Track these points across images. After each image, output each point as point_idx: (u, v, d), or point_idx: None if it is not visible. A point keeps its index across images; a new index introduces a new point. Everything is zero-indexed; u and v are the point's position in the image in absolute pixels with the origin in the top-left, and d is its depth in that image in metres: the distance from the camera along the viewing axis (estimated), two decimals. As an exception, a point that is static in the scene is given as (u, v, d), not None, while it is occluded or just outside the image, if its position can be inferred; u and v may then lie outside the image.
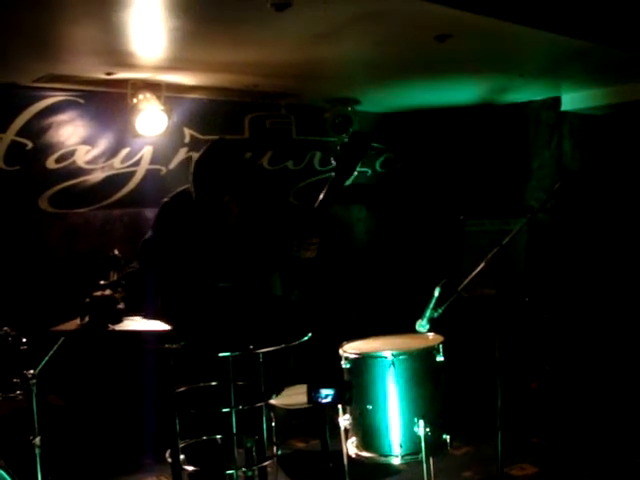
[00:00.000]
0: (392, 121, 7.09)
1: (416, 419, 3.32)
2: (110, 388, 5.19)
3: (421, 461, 3.32)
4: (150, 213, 5.59)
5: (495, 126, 7.04)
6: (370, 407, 3.40)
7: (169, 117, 5.31)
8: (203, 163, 3.33)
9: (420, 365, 3.43)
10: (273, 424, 3.58)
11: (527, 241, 6.13)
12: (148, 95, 5.16)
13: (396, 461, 3.40)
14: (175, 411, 3.07)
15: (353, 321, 6.61)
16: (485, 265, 3.50)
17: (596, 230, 6.61)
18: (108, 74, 4.88)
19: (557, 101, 6.66)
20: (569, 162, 6.74)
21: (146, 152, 5.61)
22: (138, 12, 3.58)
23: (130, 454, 5.02)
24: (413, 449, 3.35)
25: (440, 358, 3.48)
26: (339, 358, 3.54)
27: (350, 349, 3.56)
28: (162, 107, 5.21)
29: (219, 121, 5.92)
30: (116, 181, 5.52)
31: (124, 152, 5.50)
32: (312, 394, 3.20)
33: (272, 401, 3.61)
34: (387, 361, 3.38)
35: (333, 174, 3.23)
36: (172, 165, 5.76)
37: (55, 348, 3.36)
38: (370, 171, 7.05)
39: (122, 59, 4.50)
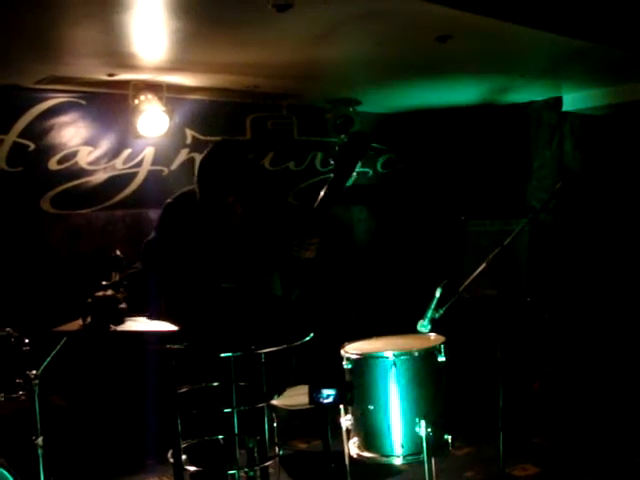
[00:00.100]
0: (393, 122, 7.09)
1: (418, 419, 3.32)
2: (112, 388, 5.20)
3: (423, 461, 3.31)
4: (152, 214, 5.60)
5: (496, 126, 7.04)
6: (372, 407, 3.40)
7: (171, 118, 5.32)
8: (207, 163, 3.34)
9: (422, 365, 3.43)
10: (275, 425, 3.59)
11: (529, 241, 6.13)
12: (150, 96, 5.17)
13: (398, 461, 3.40)
14: (177, 411, 3.07)
15: (354, 321, 6.61)
16: (486, 265, 3.50)
17: (598, 230, 6.61)
18: (110, 75, 4.89)
19: (558, 101, 6.67)
20: (570, 162, 6.75)
21: (148, 153, 5.62)
22: (139, 14, 3.59)
23: (132, 454, 5.03)
24: (415, 449, 3.34)
25: (442, 358, 3.48)
26: (340, 358, 3.54)
27: (351, 349, 3.56)
28: (163, 108, 5.22)
29: (220, 122, 5.93)
30: (118, 182, 5.53)
31: (126, 153, 5.51)
32: (313, 394, 3.20)
33: (274, 402, 3.62)
34: (389, 361, 3.38)
35: (332, 175, 3.24)
36: (174, 166, 5.76)
37: (57, 348, 3.37)
38: (371, 172, 7.05)
39: (123, 60, 4.51)
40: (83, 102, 5.26)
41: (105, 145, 5.41)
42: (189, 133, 5.80)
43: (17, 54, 4.21)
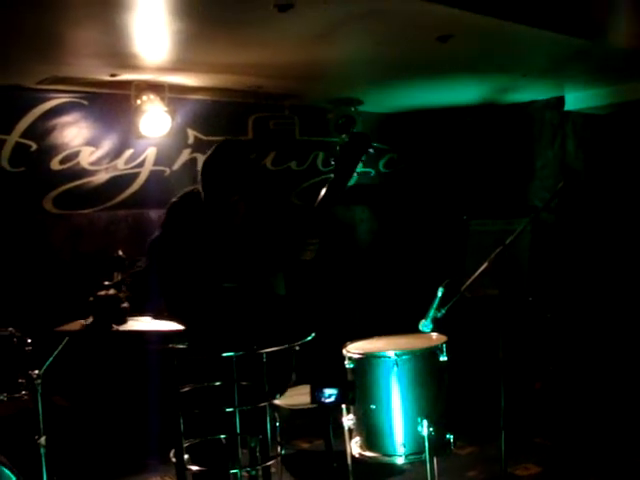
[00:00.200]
0: (395, 121, 7.10)
1: (420, 419, 3.32)
2: (114, 388, 5.20)
3: (425, 461, 3.32)
4: (154, 214, 5.61)
5: (498, 126, 7.04)
6: (374, 407, 3.41)
7: (173, 118, 5.32)
8: (211, 163, 3.36)
9: (424, 365, 3.43)
10: (277, 424, 3.59)
11: (531, 241, 6.13)
12: (152, 96, 5.18)
13: (400, 461, 3.40)
14: (179, 411, 3.08)
15: (356, 321, 6.61)
16: (488, 265, 3.50)
17: (600, 229, 6.60)
18: (112, 76, 4.90)
19: (561, 101, 6.66)
20: (573, 161, 6.74)
21: (150, 153, 5.63)
22: (141, 14, 3.59)
23: (134, 454, 5.03)
24: (417, 449, 3.34)
25: (443, 358, 3.48)
26: (343, 358, 3.55)
27: (353, 349, 3.56)
28: (165, 108, 5.22)
29: (223, 122, 5.93)
30: (120, 182, 5.54)
31: (128, 153, 5.52)
32: (315, 394, 3.20)
33: (276, 401, 3.62)
34: (391, 361, 3.38)
35: (332, 175, 3.24)
36: (176, 166, 5.77)
37: (60, 348, 3.37)
38: (373, 171, 7.06)
39: (125, 61, 4.52)
40: (85, 102, 5.27)
41: (107, 145, 5.42)
42: (191, 133, 5.81)
43: (19, 54, 4.21)
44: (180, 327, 2.95)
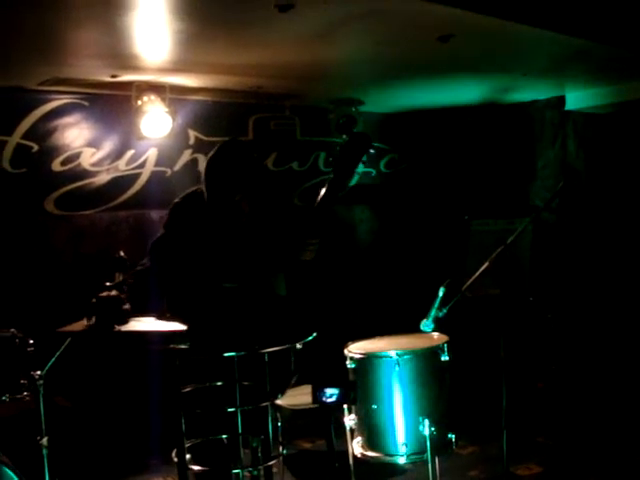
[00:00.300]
0: (396, 121, 7.10)
1: (421, 418, 3.32)
2: (116, 389, 5.21)
3: (426, 461, 3.32)
4: (155, 215, 5.62)
5: (499, 126, 7.04)
6: (375, 407, 3.41)
7: (173, 119, 5.33)
8: (215, 163, 3.37)
9: (425, 365, 3.44)
10: (279, 424, 3.59)
11: (532, 240, 6.13)
12: (152, 97, 5.18)
13: (401, 461, 3.40)
14: (181, 411, 3.08)
15: (358, 321, 6.60)
16: (489, 265, 3.50)
17: (601, 229, 6.60)
18: (112, 77, 4.90)
19: (561, 100, 6.66)
20: (573, 161, 6.74)
21: (151, 154, 5.63)
22: (142, 15, 3.60)
23: (136, 455, 5.03)
24: (418, 448, 3.35)
25: (445, 358, 3.48)
26: (344, 358, 3.55)
27: (355, 349, 3.56)
28: (166, 109, 5.23)
29: (223, 123, 5.93)
30: (121, 183, 5.54)
31: (129, 154, 5.52)
32: (317, 394, 3.21)
33: (278, 401, 3.62)
34: (392, 361, 3.38)
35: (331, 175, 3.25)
36: (177, 167, 5.77)
37: (62, 349, 3.37)
38: (374, 171, 7.06)
39: (126, 62, 4.52)
40: (86, 103, 5.27)
41: (108, 146, 5.42)
42: (192, 134, 5.81)
43: (20, 56, 4.22)
44: (182, 327, 2.95)
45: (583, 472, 4.55)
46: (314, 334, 3.21)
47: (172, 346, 3.02)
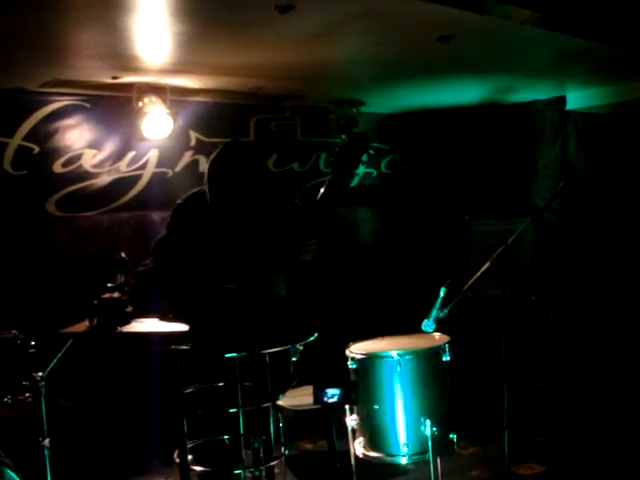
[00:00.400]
0: (397, 122, 7.10)
1: (423, 419, 3.33)
2: (118, 390, 5.21)
3: (428, 461, 3.32)
4: (156, 216, 5.62)
5: (500, 126, 7.05)
6: (377, 407, 3.42)
7: (174, 120, 5.33)
8: (218, 163, 3.37)
9: (426, 365, 3.44)
10: (281, 425, 3.60)
11: (533, 240, 6.13)
12: (153, 98, 5.18)
13: (403, 461, 3.41)
14: (183, 412, 3.09)
15: (359, 321, 6.62)
16: (490, 265, 3.50)
17: (602, 229, 6.60)
18: (113, 78, 4.90)
19: (562, 100, 6.67)
20: (574, 161, 6.74)
21: (152, 155, 5.63)
22: (143, 17, 3.60)
23: (138, 456, 5.04)
24: (420, 449, 3.36)
25: (446, 358, 3.49)
26: (345, 358, 3.55)
27: (356, 349, 3.57)
28: (167, 110, 5.23)
29: (224, 124, 5.93)
30: (122, 184, 5.54)
31: (130, 155, 5.52)
32: (318, 394, 3.21)
33: (279, 402, 3.63)
34: (393, 361, 3.39)
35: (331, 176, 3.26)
36: (178, 168, 5.78)
37: (64, 350, 3.38)
38: (375, 172, 7.06)
39: (127, 63, 4.53)
40: (87, 105, 5.28)
41: (109, 148, 5.43)
42: (193, 135, 5.82)
43: (21, 57, 4.22)
44: (183, 328, 2.96)
45: (585, 471, 4.55)
46: (315, 334, 3.22)
47: (173, 347, 3.03)
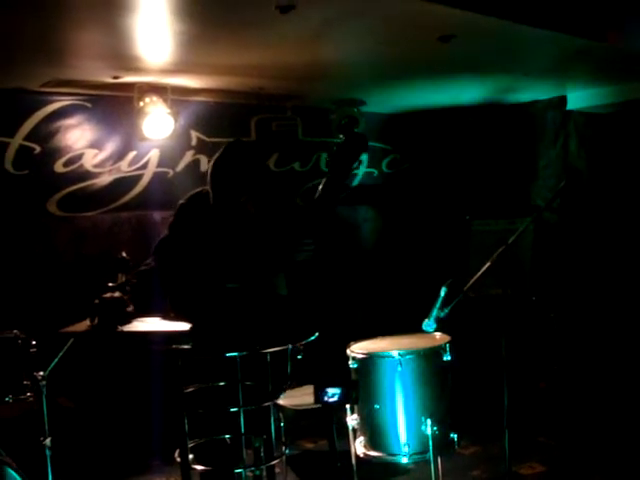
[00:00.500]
0: (398, 122, 7.10)
1: (424, 418, 3.33)
2: (119, 389, 5.21)
3: (429, 460, 3.33)
4: (157, 215, 5.63)
5: (501, 126, 7.04)
6: (378, 407, 3.42)
7: (175, 120, 5.33)
8: (221, 164, 3.38)
9: (427, 364, 3.44)
10: (282, 424, 3.60)
11: (533, 240, 6.13)
12: (154, 98, 5.18)
13: (404, 460, 3.41)
14: (184, 411, 3.09)
15: (360, 321, 6.62)
16: (491, 264, 3.50)
17: (603, 229, 6.60)
18: (114, 78, 4.91)
19: (563, 100, 6.66)
20: (575, 161, 6.74)
21: (153, 155, 5.64)
22: (144, 16, 3.60)
23: (139, 455, 5.04)
24: (421, 448, 3.36)
25: (447, 357, 3.49)
26: (346, 358, 3.56)
27: (357, 349, 3.57)
28: (168, 110, 5.23)
29: (225, 123, 5.93)
30: (123, 184, 5.54)
31: (131, 155, 5.53)
32: (319, 394, 3.22)
33: (280, 401, 3.63)
34: (394, 361, 3.39)
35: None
36: (179, 168, 5.78)
37: (65, 349, 3.38)
38: (376, 172, 7.06)
39: (128, 63, 4.53)
40: (88, 105, 5.28)
41: (110, 147, 5.43)
42: (194, 135, 5.82)
43: (22, 57, 4.23)
44: (184, 327, 2.96)
45: (586, 471, 4.55)
46: (316, 334, 3.22)
47: (175, 346, 3.03)
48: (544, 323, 6.24)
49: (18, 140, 5.01)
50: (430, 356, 3.46)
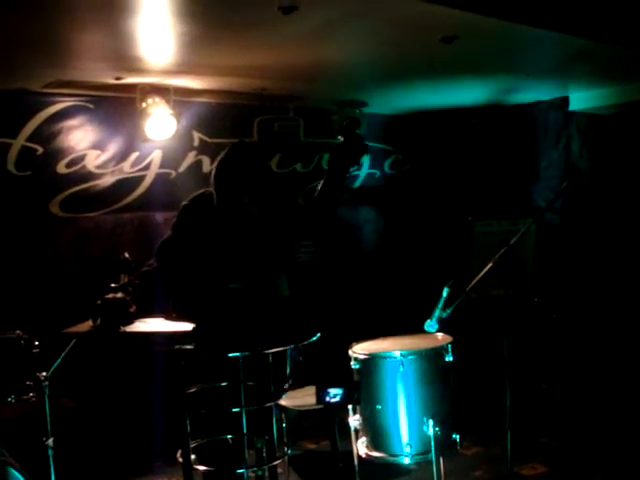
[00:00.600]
0: (400, 122, 7.10)
1: (426, 419, 3.33)
2: (121, 390, 5.22)
3: (431, 461, 3.32)
4: (160, 216, 5.63)
5: (503, 127, 7.05)
6: (380, 407, 3.41)
7: (178, 121, 5.33)
8: (225, 165, 3.38)
9: (429, 365, 3.44)
10: (284, 425, 3.60)
11: (535, 241, 6.13)
12: (157, 99, 5.18)
13: (406, 461, 3.40)
14: (186, 411, 3.10)
15: (362, 321, 6.62)
16: (493, 265, 3.51)
17: (605, 229, 6.60)
18: (117, 79, 4.91)
19: (565, 101, 6.66)
20: (577, 161, 6.74)
21: (155, 156, 5.64)
22: (146, 18, 3.61)
23: (141, 456, 5.05)
24: (423, 449, 3.35)
25: (449, 358, 3.49)
26: (348, 358, 3.56)
27: (359, 349, 3.57)
28: (171, 111, 5.23)
29: (228, 124, 5.94)
30: (126, 185, 5.55)
31: (133, 156, 5.53)
32: (321, 394, 3.22)
33: (283, 402, 3.64)
34: (396, 361, 3.39)
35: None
36: (181, 169, 5.78)
37: (67, 350, 3.39)
38: (378, 172, 7.06)
39: (131, 64, 4.53)
40: (91, 106, 5.28)
41: (113, 148, 5.43)
42: (196, 136, 5.82)
43: (24, 58, 4.23)
44: (186, 328, 2.97)
45: (588, 471, 4.55)
46: (318, 334, 3.23)
47: (177, 347, 3.04)
48: (546, 324, 6.24)
49: (20, 141, 5.02)
50: (432, 357, 3.46)
